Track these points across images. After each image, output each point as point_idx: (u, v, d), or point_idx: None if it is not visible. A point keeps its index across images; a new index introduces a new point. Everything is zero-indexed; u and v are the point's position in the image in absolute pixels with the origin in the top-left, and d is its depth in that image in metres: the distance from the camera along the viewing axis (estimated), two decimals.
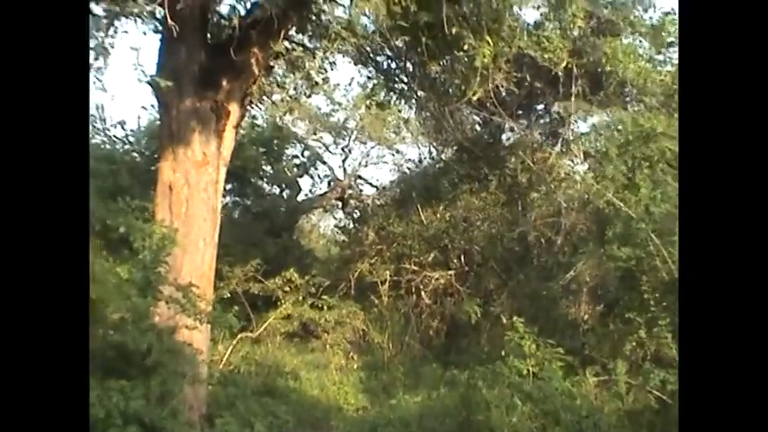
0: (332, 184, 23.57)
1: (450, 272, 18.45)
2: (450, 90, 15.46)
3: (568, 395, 11.16)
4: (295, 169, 23.14)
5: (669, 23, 16.21)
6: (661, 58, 16.75)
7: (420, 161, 22.48)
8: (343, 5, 11.86)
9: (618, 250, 12.38)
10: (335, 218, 25.94)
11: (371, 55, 17.08)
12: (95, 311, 8.23)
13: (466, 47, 11.20)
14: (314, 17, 12.38)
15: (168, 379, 8.63)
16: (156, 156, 16.05)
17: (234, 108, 11.71)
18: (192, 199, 11.29)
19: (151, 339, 8.48)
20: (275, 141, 22.01)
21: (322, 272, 19.60)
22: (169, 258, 9.80)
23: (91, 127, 16.65)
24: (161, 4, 10.00)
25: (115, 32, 10.97)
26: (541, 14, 15.44)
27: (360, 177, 24.02)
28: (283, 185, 22.77)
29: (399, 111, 20.34)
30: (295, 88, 15.88)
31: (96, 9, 10.83)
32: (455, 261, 18.60)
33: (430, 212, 19.18)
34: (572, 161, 18.29)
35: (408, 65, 15.75)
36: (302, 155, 23.61)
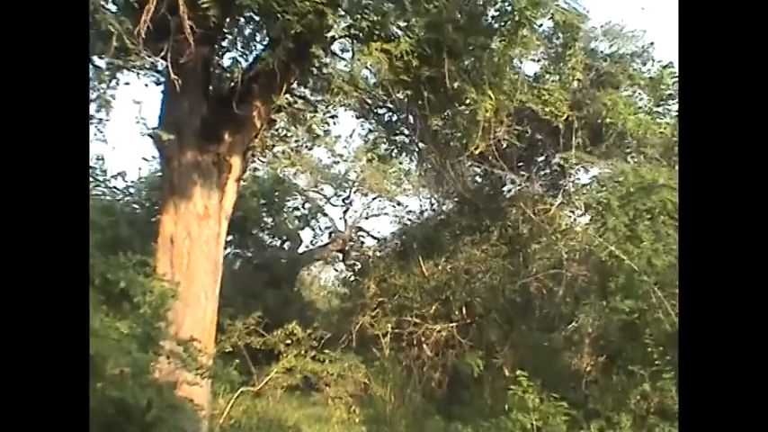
0: (333, 235, 23.59)
1: (451, 324, 18.36)
2: (452, 143, 15.50)
3: None
4: (296, 221, 23.20)
5: (668, 76, 16.33)
6: (660, 110, 16.87)
7: (421, 213, 22.51)
8: (345, 59, 11.95)
9: (621, 302, 12.33)
10: (336, 270, 25.98)
11: (373, 108, 17.15)
12: (95, 366, 8.17)
13: (467, 101, 11.25)
14: (316, 70, 12.45)
15: None
16: (156, 207, 16.09)
17: (236, 161, 11.72)
18: (194, 252, 11.27)
19: (151, 395, 8.39)
20: (276, 193, 22.07)
21: (323, 324, 19.51)
22: (170, 312, 9.73)
23: (91, 178, 16.65)
24: (163, 57, 10.06)
25: (117, 84, 11.05)
26: (541, 67, 15.54)
27: (361, 229, 24.06)
28: (284, 237, 22.79)
29: (400, 163, 20.42)
30: (296, 141, 15.99)
31: (99, 62, 10.91)
32: (457, 313, 18.52)
33: (431, 264, 19.15)
34: (573, 213, 18.31)
35: (410, 118, 15.81)
36: (303, 207, 23.69)
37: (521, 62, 14.02)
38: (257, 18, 11.42)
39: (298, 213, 23.46)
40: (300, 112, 13.68)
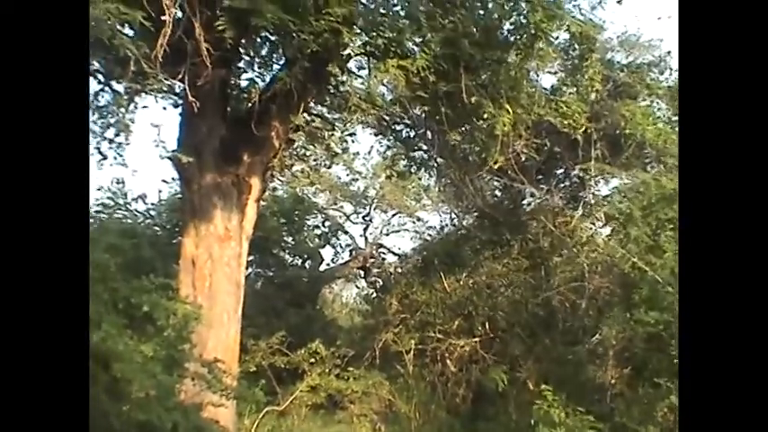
0: (353, 253, 23.55)
1: (474, 339, 18.26)
2: (470, 157, 15.50)
3: None
4: (316, 239, 23.17)
5: None
6: None
7: (441, 228, 22.43)
8: (362, 77, 11.98)
9: (645, 314, 12.23)
10: (358, 287, 25.90)
11: (391, 124, 17.16)
12: (120, 390, 8.19)
13: (485, 115, 11.25)
14: (333, 88, 12.49)
15: None
16: (177, 229, 16.14)
17: (255, 182, 11.76)
18: (216, 273, 11.30)
19: (177, 417, 8.39)
20: (296, 212, 22.07)
21: (346, 342, 19.47)
22: (194, 333, 9.75)
23: (112, 202, 16.76)
24: (181, 80, 10.11)
25: (135, 108, 11.13)
26: (558, 79, 15.53)
27: (381, 246, 23.99)
28: (305, 256, 22.77)
29: (419, 179, 20.42)
30: (315, 159, 16.01)
31: (117, 86, 11.00)
32: (480, 328, 18.42)
33: (453, 279, 19.06)
34: (593, 224, 18.22)
35: (428, 133, 15.81)
36: (323, 225, 23.66)
37: (537, 75, 14.07)
38: (273, 38, 11.48)
39: (318, 232, 23.46)
40: (318, 130, 13.72)
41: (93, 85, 11.36)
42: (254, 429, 14.89)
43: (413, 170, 17.85)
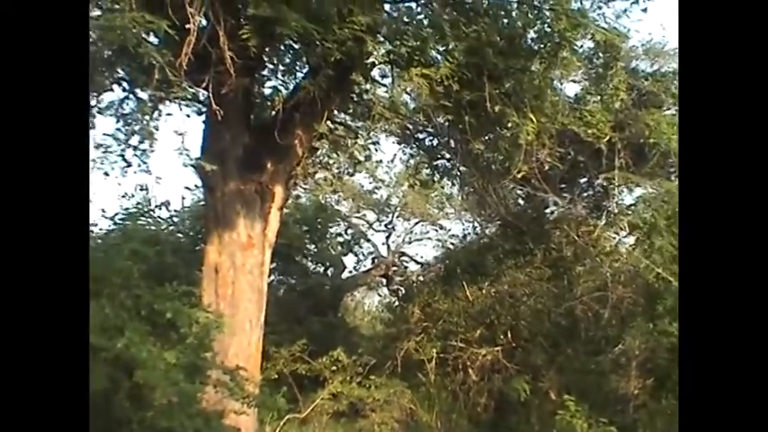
0: (376, 261, 23.49)
1: (497, 348, 18.20)
2: (494, 166, 15.46)
3: None
4: (339, 247, 23.13)
5: None
6: None
7: (464, 237, 22.36)
8: (385, 85, 11.97)
9: (669, 325, 12.19)
10: (380, 295, 25.88)
11: (414, 133, 17.15)
12: (143, 396, 8.22)
13: (509, 124, 11.22)
14: (356, 97, 12.49)
15: None
16: (200, 236, 16.16)
17: (278, 190, 11.77)
18: (238, 281, 11.33)
19: (199, 424, 8.41)
20: (319, 220, 22.06)
21: (368, 350, 19.45)
22: (216, 341, 9.77)
23: (135, 209, 16.81)
24: (205, 88, 10.15)
25: (159, 116, 11.16)
26: (582, 88, 15.47)
27: (404, 254, 23.94)
28: (327, 263, 22.74)
29: (442, 187, 20.38)
30: (338, 167, 16.01)
31: (141, 94, 11.05)
32: (502, 337, 18.36)
33: (475, 288, 19.01)
34: (617, 234, 18.15)
35: (451, 142, 15.78)
36: (346, 233, 23.62)
37: (561, 84, 14.01)
38: (297, 46, 11.48)
39: (340, 239, 23.41)
40: (342, 138, 13.73)
41: (118, 93, 11.43)
42: None
43: (436, 179, 17.80)
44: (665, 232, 13.47)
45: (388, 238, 23.98)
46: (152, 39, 9.59)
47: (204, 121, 11.81)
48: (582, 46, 12.55)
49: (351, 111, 13.32)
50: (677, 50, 16.79)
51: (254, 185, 11.52)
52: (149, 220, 18.34)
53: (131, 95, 11.49)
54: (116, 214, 15.56)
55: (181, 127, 11.92)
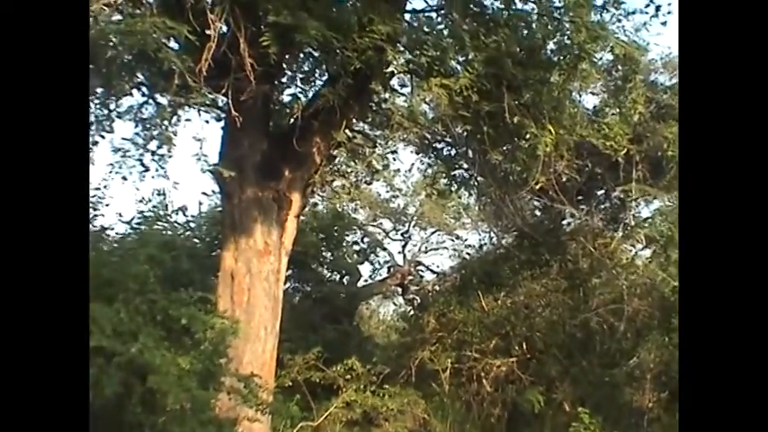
0: (392, 270, 23.50)
1: (511, 359, 18.16)
2: (511, 177, 15.45)
3: None
4: (355, 255, 23.13)
5: None
6: None
7: (480, 247, 22.38)
8: (404, 94, 11.97)
9: None
10: (395, 304, 25.90)
11: (432, 143, 17.16)
12: (156, 402, 8.22)
13: (527, 135, 11.19)
14: (375, 106, 12.50)
15: None
16: (216, 242, 16.19)
17: (296, 197, 11.78)
18: (254, 288, 11.33)
19: (212, 431, 8.42)
20: (336, 228, 22.04)
21: (382, 359, 19.44)
22: (230, 347, 9.77)
23: (152, 214, 16.84)
24: (224, 94, 10.17)
25: (178, 121, 11.19)
26: (601, 101, 15.45)
27: (420, 263, 23.96)
28: (343, 271, 22.73)
29: (459, 197, 20.38)
30: (356, 176, 16.02)
31: (161, 99, 11.08)
32: (517, 348, 18.32)
33: (491, 299, 18.99)
34: (633, 246, 18.10)
35: (469, 152, 15.77)
36: (362, 241, 23.62)
37: (580, 96, 13.99)
38: (316, 54, 11.50)
39: (357, 248, 23.41)
40: (360, 147, 13.74)
41: (138, 98, 11.46)
42: None
43: (453, 188, 17.77)
44: None
45: (404, 247, 24.04)
46: (172, 44, 9.62)
47: (223, 128, 11.83)
48: (601, 58, 12.54)
49: (369, 120, 13.32)
50: None
51: (272, 192, 11.53)
52: (166, 225, 18.35)
53: (151, 100, 11.53)
54: (133, 218, 15.56)
55: (199, 133, 11.89)
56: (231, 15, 9.59)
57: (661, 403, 14.95)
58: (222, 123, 11.96)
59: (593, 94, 15.67)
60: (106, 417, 7.71)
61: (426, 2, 11.59)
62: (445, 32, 10.96)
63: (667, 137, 15.43)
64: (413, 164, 19.75)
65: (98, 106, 11.16)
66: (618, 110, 14.20)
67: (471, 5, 10.92)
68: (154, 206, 16.91)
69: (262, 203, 11.46)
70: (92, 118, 10.96)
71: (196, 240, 19.53)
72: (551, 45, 11.50)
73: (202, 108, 11.71)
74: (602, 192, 18.45)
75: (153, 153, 11.84)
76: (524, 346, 18.24)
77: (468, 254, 22.81)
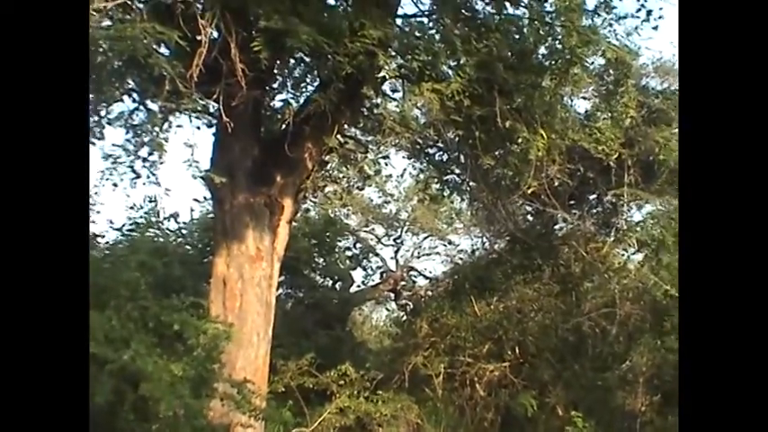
0: (384, 275, 23.43)
1: (504, 363, 18.16)
2: (503, 182, 15.44)
3: None
4: (348, 261, 23.10)
5: None
6: None
7: (473, 252, 22.35)
8: (396, 99, 11.95)
9: (677, 342, 12.11)
10: (388, 309, 25.83)
11: (424, 147, 17.14)
12: (149, 408, 8.20)
13: (519, 140, 11.19)
14: (366, 111, 12.49)
15: None
16: (208, 248, 16.15)
17: (288, 203, 11.76)
18: (246, 294, 11.31)
19: None
20: (328, 233, 22.01)
21: (375, 364, 19.42)
22: (223, 353, 9.75)
23: (144, 220, 16.81)
24: (215, 100, 10.15)
25: (169, 127, 11.17)
26: (592, 105, 15.48)
27: (412, 269, 23.90)
28: (336, 277, 22.70)
29: (452, 202, 20.38)
30: (348, 181, 16.01)
31: (151, 105, 11.06)
32: (509, 352, 18.32)
33: (483, 304, 18.99)
34: (626, 251, 18.12)
35: (461, 157, 15.74)
36: (354, 247, 23.60)
37: (572, 100, 14.01)
38: (308, 59, 11.49)
39: (349, 253, 23.38)
40: (351, 152, 13.72)
41: (128, 104, 11.44)
42: None
43: (445, 193, 17.74)
44: (673, 249, 13.44)
45: (396, 252, 23.99)
46: (163, 50, 9.60)
47: (214, 134, 11.81)
48: (593, 63, 12.56)
49: (361, 125, 13.32)
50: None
51: (264, 198, 11.51)
52: (157, 231, 18.33)
53: (141, 106, 11.52)
54: (124, 225, 15.55)
55: (190, 139, 11.85)
56: (222, 21, 9.56)
57: (653, 406, 14.97)
58: (213, 129, 11.95)
59: (584, 98, 15.70)
60: (98, 425, 7.69)
61: (418, 7, 11.59)
62: (437, 37, 10.96)
63: (659, 141, 15.45)
64: (405, 169, 19.68)
65: (89, 112, 11.13)
66: (609, 114, 14.23)
67: (463, 10, 10.94)
68: (145, 213, 16.90)
69: (253, 209, 11.44)
70: None
71: (188, 247, 19.50)
72: (543, 49, 11.51)
73: (193, 114, 11.70)
74: (594, 196, 18.46)
75: (144, 159, 11.84)
76: (517, 351, 18.24)
77: (460, 259, 22.81)
